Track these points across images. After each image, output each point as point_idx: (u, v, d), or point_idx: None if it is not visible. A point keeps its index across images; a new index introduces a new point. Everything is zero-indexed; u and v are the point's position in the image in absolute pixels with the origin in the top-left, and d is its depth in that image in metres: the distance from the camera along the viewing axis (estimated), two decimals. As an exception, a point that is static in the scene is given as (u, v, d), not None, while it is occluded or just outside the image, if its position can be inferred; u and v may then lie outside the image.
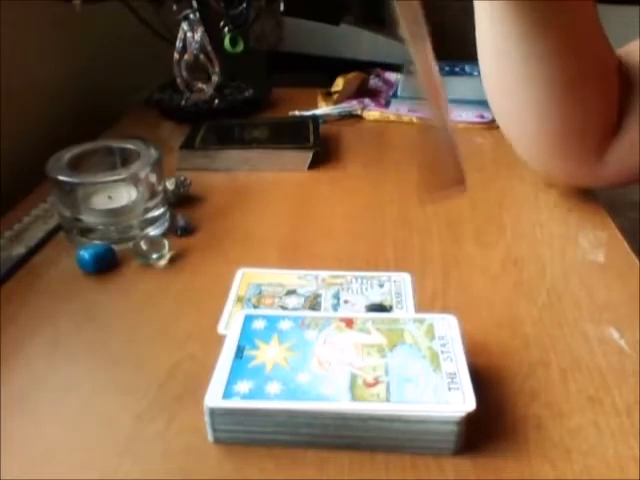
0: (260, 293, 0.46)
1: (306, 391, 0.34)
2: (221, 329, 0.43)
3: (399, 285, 0.46)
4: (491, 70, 0.51)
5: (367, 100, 0.85)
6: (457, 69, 0.87)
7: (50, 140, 0.61)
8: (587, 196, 0.60)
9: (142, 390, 0.39)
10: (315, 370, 0.36)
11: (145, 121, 0.82)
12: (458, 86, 0.81)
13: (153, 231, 0.55)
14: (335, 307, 0.44)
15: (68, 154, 0.55)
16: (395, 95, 0.87)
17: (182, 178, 0.62)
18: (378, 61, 1.02)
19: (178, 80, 0.79)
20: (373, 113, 0.83)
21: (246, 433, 0.34)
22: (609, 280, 0.49)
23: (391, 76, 0.93)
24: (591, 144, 0.52)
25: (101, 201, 0.54)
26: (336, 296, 0.45)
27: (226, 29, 0.77)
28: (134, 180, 0.54)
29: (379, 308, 0.44)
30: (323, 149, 0.70)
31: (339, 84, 0.86)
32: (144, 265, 0.51)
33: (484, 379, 0.38)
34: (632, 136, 0.50)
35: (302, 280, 0.47)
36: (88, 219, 0.53)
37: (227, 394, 0.34)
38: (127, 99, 0.87)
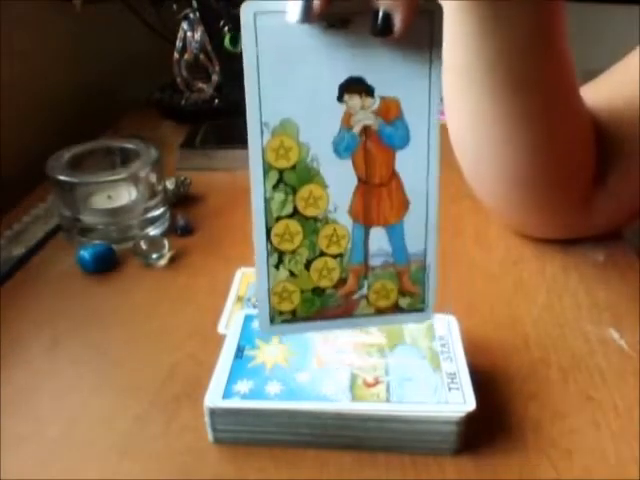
0: (260, 293, 0.46)
1: (306, 391, 0.34)
2: (221, 329, 0.43)
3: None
4: (465, 131, 0.48)
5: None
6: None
7: (50, 140, 0.61)
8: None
9: (142, 390, 0.39)
10: (315, 370, 0.36)
11: (145, 121, 0.82)
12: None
13: (153, 231, 0.55)
14: (335, 307, 0.44)
15: (68, 154, 0.55)
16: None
17: (182, 178, 0.62)
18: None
19: (178, 80, 0.79)
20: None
21: (246, 433, 0.34)
22: (609, 280, 0.49)
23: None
24: (574, 201, 0.50)
25: (101, 201, 0.54)
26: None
27: (226, 29, 0.77)
28: (134, 180, 0.54)
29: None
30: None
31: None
32: (144, 265, 0.51)
33: (484, 379, 0.38)
34: (616, 187, 0.50)
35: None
36: (88, 219, 0.53)
37: (227, 394, 0.34)
38: (127, 99, 0.87)
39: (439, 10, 0.28)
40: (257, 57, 0.27)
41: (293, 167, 0.29)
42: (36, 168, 0.55)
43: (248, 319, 0.40)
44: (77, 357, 0.42)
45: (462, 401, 0.33)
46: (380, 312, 0.32)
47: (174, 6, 0.77)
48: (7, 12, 0.66)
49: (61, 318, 0.46)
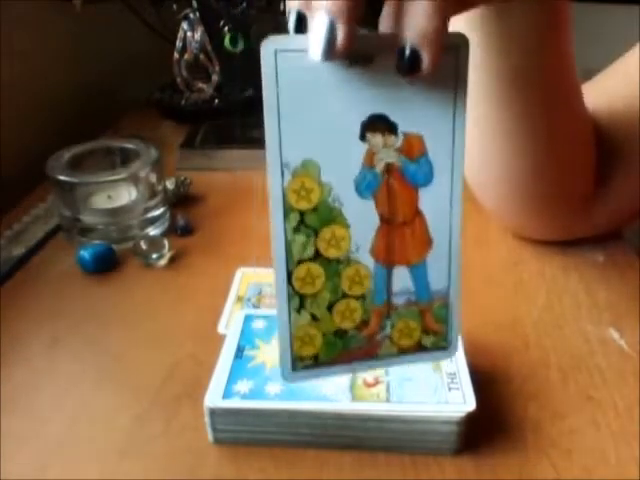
0: (260, 293, 0.46)
1: (306, 391, 0.34)
2: (221, 329, 0.43)
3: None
4: (467, 136, 0.48)
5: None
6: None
7: (50, 140, 0.61)
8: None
9: (142, 390, 0.39)
10: (315, 370, 0.36)
11: (145, 121, 0.82)
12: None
13: (153, 231, 0.55)
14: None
15: (68, 154, 0.55)
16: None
17: (182, 178, 0.62)
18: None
19: (178, 80, 0.79)
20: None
21: (246, 433, 0.34)
22: (609, 280, 0.49)
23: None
24: (574, 202, 0.50)
25: (101, 201, 0.54)
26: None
27: (226, 29, 0.77)
28: (134, 180, 0.54)
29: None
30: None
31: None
32: (144, 265, 0.51)
33: (484, 379, 0.38)
34: (616, 187, 0.50)
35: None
36: (88, 219, 0.53)
37: (227, 394, 0.34)
38: (127, 99, 0.87)
39: (465, 45, 0.27)
40: (277, 96, 0.26)
41: (315, 208, 0.28)
42: (36, 168, 0.55)
43: (248, 319, 0.40)
44: (77, 357, 0.42)
45: (462, 401, 0.33)
46: (403, 351, 0.32)
47: (174, 6, 0.77)
48: (7, 12, 0.66)
49: (61, 318, 0.46)
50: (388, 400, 0.34)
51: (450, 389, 0.34)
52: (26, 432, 0.36)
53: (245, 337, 0.38)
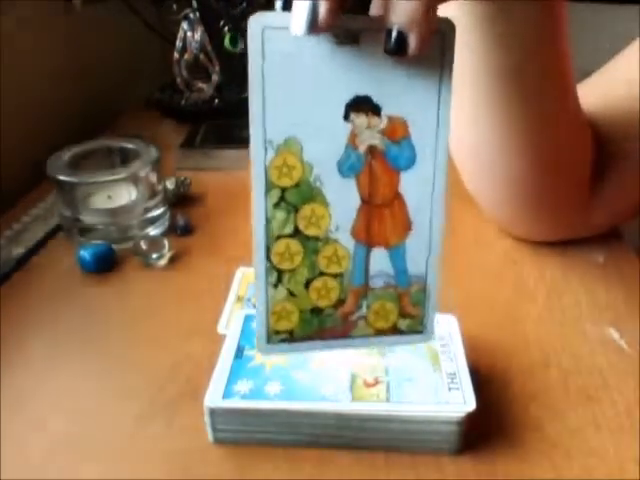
0: (260, 293, 0.46)
1: (306, 391, 0.34)
2: (221, 329, 0.43)
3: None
4: (463, 132, 0.47)
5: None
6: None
7: (50, 140, 0.61)
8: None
9: (142, 390, 0.39)
10: (315, 370, 0.36)
11: (145, 121, 0.82)
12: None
13: (153, 231, 0.55)
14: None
15: (68, 154, 0.55)
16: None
17: (182, 178, 0.62)
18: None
19: (178, 80, 0.79)
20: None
21: (246, 433, 0.34)
22: (609, 280, 0.49)
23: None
24: (572, 203, 0.50)
25: (101, 201, 0.54)
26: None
27: (226, 29, 0.77)
28: (134, 180, 0.54)
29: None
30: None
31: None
32: (144, 265, 0.51)
33: (484, 379, 0.38)
34: (613, 187, 0.49)
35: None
36: (88, 219, 0.53)
37: (227, 394, 0.34)
38: (127, 99, 0.87)
39: (451, 30, 0.27)
40: (263, 73, 0.27)
41: (296, 186, 0.29)
42: (36, 168, 0.55)
43: (248, 319, 0.40)
44: (77, 357, 0.42)
45: (462, 401, 0.33)
46: (379, 333, 0.32)
47: (174, 6, 0.77)
48: (7, 12, 0.66)
49: (61, 318, 0.46)
50: (388, 400, 0.34)
51: (450, 389, 0.34)
52: (26, 432, 0.36)
53: (245, 337, 0.38)
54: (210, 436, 0.35)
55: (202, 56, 0.78)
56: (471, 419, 0.33)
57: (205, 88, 0.81)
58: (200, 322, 0.44)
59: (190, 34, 0.77)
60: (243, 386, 0.35)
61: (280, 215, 0.29)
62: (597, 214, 0.51)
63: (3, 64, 0.65)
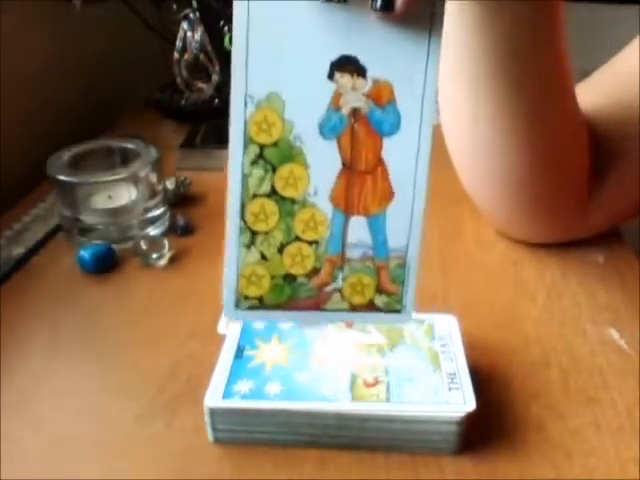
0: (260, 293, 0.46)
1: (306, 391, 0.34)
2: (221, 329, 0.43)
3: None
4: (461, 129, 0.47)
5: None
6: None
7: (50, 140, 0.61)
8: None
9: (142, 390, 0.39)
10: (315, 370, 0.36)
11: (145, 121, 0.82)
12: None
13: (153, 231, 0.55)
14: (335, 307, 0.44)
15: (68, 153, 0.55)
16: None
17: (182, 178, 0.62)
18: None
19: (178, 80, 0.79)
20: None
21: (246, 433, 0.34)
22: (609, 280, 0.49)
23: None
24: (570, 203, 0.50)
25: (101, 201, 0.54)
26: (336, 296, 0.45)
27: (226, 29, 0.77)
28: (134, 180, 0.54)
29: (379, 308, 0.44)
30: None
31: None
32: (144, 265, 0.51)
33: (484, 379, 0.38)
34: (611, 188, 0.49)
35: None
36: (88, 219, 0.53)
37: (227, 394, 0.34)
38: (127, 99, 0.87)
39: None
40: (248, 25, 0.26)
41: (275, 144, 0.28)
42: (36, 168, 0.55)
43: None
44: (77, 357, 0.42)
45: (462, 401, 0.33)
46: (354, 309, 0.31)
47: (174, 6, 0.77)
48: (7, 12, 0.66)
49: (61, 318, 0.46)
50: (388, 400, 0.34)
51: (450, 389, 0.34)
52: (26, 432, 0.36)
53: (245, 337, 0.38)
54: (210, 436, 0.35)
55: (202, 56, 0.78)
56: (471, 419, 0.33)
57: (205, 88, 0.81)
58: (200, 322, 0.44)
59: (190, 34, 0.77)
60: (243, 386, 0.35)
61: (257, 172, 0.28)
62: (595, 215, 0.51)
63: (3, 64, 0.65)
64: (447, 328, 0.39)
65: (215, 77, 0.80)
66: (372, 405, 0.34)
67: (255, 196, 0.28)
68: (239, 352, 0.37)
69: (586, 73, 0.53)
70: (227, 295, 0.30)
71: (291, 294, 0.30)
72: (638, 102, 0.47)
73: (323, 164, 0.28)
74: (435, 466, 0.33)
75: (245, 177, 0.28)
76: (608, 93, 0.50)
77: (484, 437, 0.35)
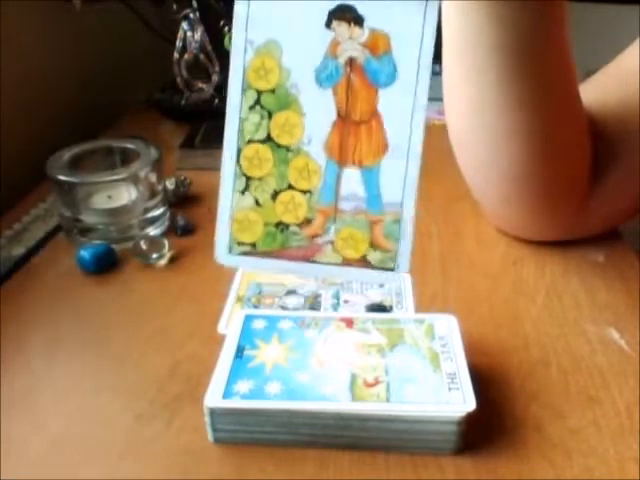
0: (260, 293, 0.46)
1: (306, 391, 0.34)
2: (221, 329, 0.43)
3: (399, 285, 0.46)
4: (464, 122, 0.47)
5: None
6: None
7: (50, 140, 0.61)
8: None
9: (142, 390, 0.39)
10: (315, 370, 0.36)
11: (145, 121, 0.82)
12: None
13: (153, 231, 0.55)
14: (335, 307, 0.44)
15: (68, 154, 0.55)
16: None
17: (182, 178, 0.62)
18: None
19: (178, 80, 0.79)
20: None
21: (246, 433, 0.34)
22: (609, 280, 0.49)
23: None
24: (571, 201, 0.50)
25: (101, 201, 0.54)
26: (336, 296, 0.45)
27: (226, 29, 0.77)
28: (134, 180, 0.54)
29: (379, 308, 0.44)
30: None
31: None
32: (144, 265, 0.51)
33: (484, 379, 0.38)
34: (612, 187, 0.49)
35: (302, 280, 0.47)
36: (88, 219, 0.53)
37: (227, 394, 0.34)
38: (127, 99, 0.87)
39: None
40: None
41: (272, 90, 0.28)
42: (36, 168, 0.55)
43: (248, 319, 0.40)
44: (77, 357, 0.42)
45: (462, 401, 0.33)
46: (347, 263, 0.31)
47: (174, 6, 0.77)
48: (7, 12, 0.66)
49: (61, 318, 0.46)
50: (388, 400, 0.34)
51: (450, 389, 0.34)
52: (26, 432, 0.36)
53: (245, 337, 0.38)
54: (210, 436, 0.35)
55: (202, 56, 0.78)
56: (471, 419, 0.33)
57: (205, 88, 0.81)
58: (200, 322, 0.44)
59: (190, 34, 0.77)
60: (243, 386, 0.35)
61: (254, 118, 0.28)
62: (595, 214, 0.51)
63: (3, 64, 0.65)
64: (447, 328, 0.39)
65: (215, 77, 0.80)
66: (372, 405, 0.34)
67: (250, 142, 0.29)
68: (239, 352, 0.37)
69: (586, 73, 0.53)
70: (220, 240, 0.30)
71: (283, 242, 0.30)
72: (639, 100, 0.47)
73: (318, 113, 0.29)
74: (435, 466, 0.33)
75: (242, 121, 0.28)
76: (609, 93, 0.50)
77: (484, 437, 0.35)
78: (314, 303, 0.45)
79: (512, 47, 0.41)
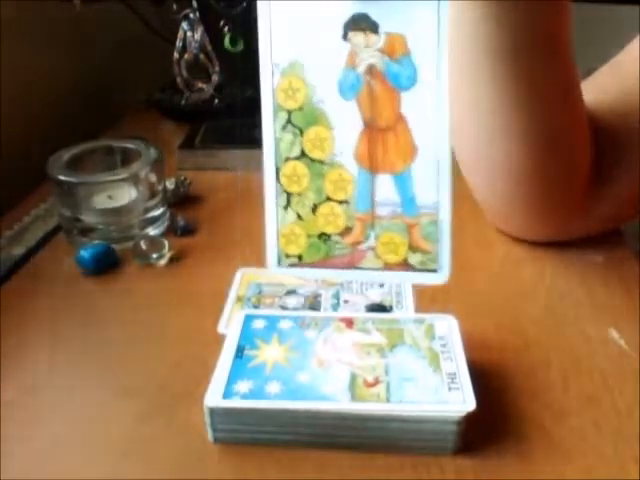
0: (260, 293, 0.46)
1: (306, 391, 0.34)
2: (221, 329, 0.43)
3: (399, 285, 0.46)
4: (464, 120, 0.47)
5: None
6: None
7: (50, 140, 0.61)
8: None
9: (142, 390, 0.39)
10: (315, 370, 0.36)
11: (145, 121, 0.82)
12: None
13: (153, 231, 0.55)
14: (335, 307, 0.44)
15: (68, 154, 0.55)
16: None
17: (182, 178, 0.62)
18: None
19: (178, 80, 0.79)
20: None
21: (246, 433, 0.34)
22: (609, 280, 0.49)
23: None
24: (570, 201, 0.50)
25: (101, 201, 0.54)
26: (336, 296, 0.45)
27: (226, 29, 0.77)
28: (134, 180, 0.54)
29: (379, 308, 0.44)
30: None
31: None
32: (144, 265, 0.51)
33: (484, 379, 0.38)
34: (612, 187, 0.49)
35: (302, 280, 0.47)
36: (88, 219, 0.53)
37: (227, 394, 0.34)
38: (127, 99, 0.87)
39: None
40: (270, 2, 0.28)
41: (300, 108, 0.29)
42: (36, 168, 0.55)
43: (248, 319, 0.40)
44: (77, 357, 0.42)
45: (462, 401, 0.33)
46: (389, 267, 0.31)
47: (174, 6, 0.77)
48: (7, 12, 0.66)
49: (61, 318, 0.46)
50: (388, 400, 0.34)
51: (450, 389, 0.34)
52: (26, 432, 0.36)
53: (245, 337, 0.38)
54: (210, 436, 0.35)
55: (202, 56, 0.78)
56: (471, 419, 0.33)
57: (205, 88, 0.81)
58: (200, 322, 0.44)
59: (190, 34, 0.77)
60: (243, 386, 0.35)
61: (287, 137, 0.30)
62: (596, 214, 0.51)
63: (3, 64, 0.65)
64: (447, 328, 0.39)
65: (215, 77, 0.80)
66: (372, 405, 0.34)
67: (287, 159, 0.30)
68: (239, 352, 0.37)
69: (587, 72, 0.53)
70: (270, 253, 0.31)
71: (327, 252, 0.31)
72: (638, 97, 0.47)
73: (345, 124, 0.30)
74: (435, 466, 0.33)
75: (277, 142, 0.30)
76: (610, 91, 0.50)
77: (484, 437, 0.35)
78: (314, 303, 0.45)
79: (508, 47, 0.41)
